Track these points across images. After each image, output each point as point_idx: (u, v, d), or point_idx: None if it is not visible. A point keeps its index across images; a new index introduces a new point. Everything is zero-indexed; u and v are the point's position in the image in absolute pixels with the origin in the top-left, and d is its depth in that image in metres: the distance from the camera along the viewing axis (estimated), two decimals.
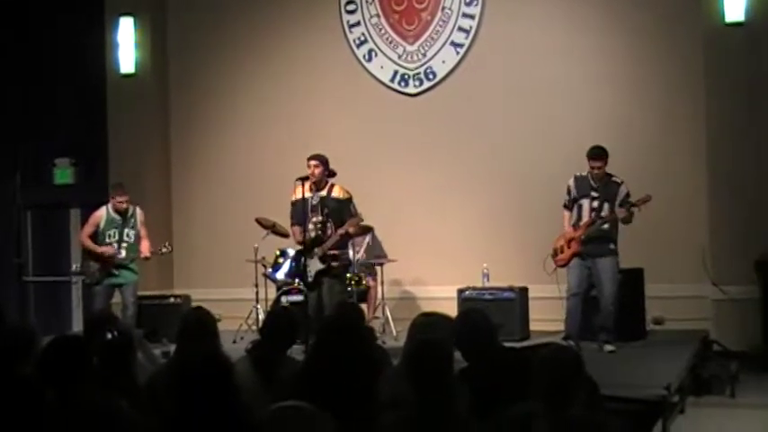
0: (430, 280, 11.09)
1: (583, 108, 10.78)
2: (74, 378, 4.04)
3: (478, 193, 11.05)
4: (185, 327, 4.95)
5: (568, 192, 8.90)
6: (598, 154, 8.74)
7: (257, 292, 10.36)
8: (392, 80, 11.49)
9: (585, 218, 8.75)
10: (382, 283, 10.40)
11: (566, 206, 8.92)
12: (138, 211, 9.73)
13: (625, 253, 9.69)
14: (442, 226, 11.08)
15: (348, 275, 9.74)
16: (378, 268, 10.43)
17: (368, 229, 10.35)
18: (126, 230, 9.60)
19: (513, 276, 10.05)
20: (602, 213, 8.69)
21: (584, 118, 10.69)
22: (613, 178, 8.77)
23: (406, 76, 11.44)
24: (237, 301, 10.68)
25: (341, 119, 11.57)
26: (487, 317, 4.77)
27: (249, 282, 10.39)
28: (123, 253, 9.55)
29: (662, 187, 10.31)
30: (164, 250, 9.74)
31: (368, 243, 10.64)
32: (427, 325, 4.57)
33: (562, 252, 8.82)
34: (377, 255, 10.61)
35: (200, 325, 4.94)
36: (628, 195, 8.70)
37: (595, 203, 8.74)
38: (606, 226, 8.69)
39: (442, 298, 10.01)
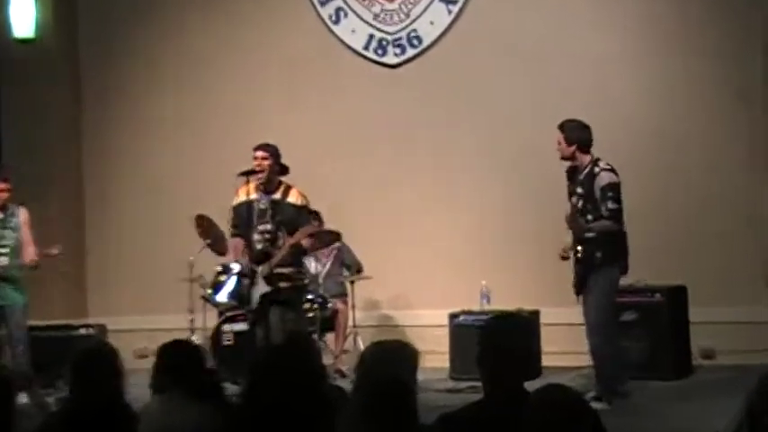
0: (415, 302, 11.15)
1: (607, 82, 10.72)
2: None
3: (477, 189, 11.02)
4: (78, 366, 4.86)
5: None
6: (560, 124, 8.36)
7: (192, 320, 10.48)
8: (366, 47, 11.52)
9: None
10: (354, 306, 10.48)
11: None
12: (22, 210, 9.69)
13: (664, 268, 9.91)
14: (431, 232, 11.06)
15: (309, 297, 9.74)
16: (348, 286, 10.48)
17: (333, 238, 10.24)
18: (4, 233, 9.55)
19: (520, 297, 10.05)
20: (588, 216, 8.19)
21: (607, 94, 10.65)
22: (595, 167, 8.26)
23: (384, 42, 11.46)
24: (169, 330, 10.41)
25: (300, 97, 11.55)
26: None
27: (183, 306, 10.50)
28: (2, 260, 9.48)
29: (710, 188, 10.44)
30: (54, 252, 9.64)
31: (335, 253, 10.63)
32: (383, 356, 4.50)
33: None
34: (347, 269, 10.66)
35: (97, 363, 4.86)
36: (606, 189, 8.13)
37: (580, 202, 8.27)
38: (591, 234, 8.19)
39: (431, 324, 10.23)
